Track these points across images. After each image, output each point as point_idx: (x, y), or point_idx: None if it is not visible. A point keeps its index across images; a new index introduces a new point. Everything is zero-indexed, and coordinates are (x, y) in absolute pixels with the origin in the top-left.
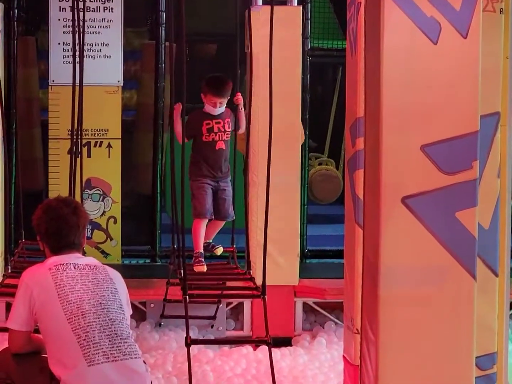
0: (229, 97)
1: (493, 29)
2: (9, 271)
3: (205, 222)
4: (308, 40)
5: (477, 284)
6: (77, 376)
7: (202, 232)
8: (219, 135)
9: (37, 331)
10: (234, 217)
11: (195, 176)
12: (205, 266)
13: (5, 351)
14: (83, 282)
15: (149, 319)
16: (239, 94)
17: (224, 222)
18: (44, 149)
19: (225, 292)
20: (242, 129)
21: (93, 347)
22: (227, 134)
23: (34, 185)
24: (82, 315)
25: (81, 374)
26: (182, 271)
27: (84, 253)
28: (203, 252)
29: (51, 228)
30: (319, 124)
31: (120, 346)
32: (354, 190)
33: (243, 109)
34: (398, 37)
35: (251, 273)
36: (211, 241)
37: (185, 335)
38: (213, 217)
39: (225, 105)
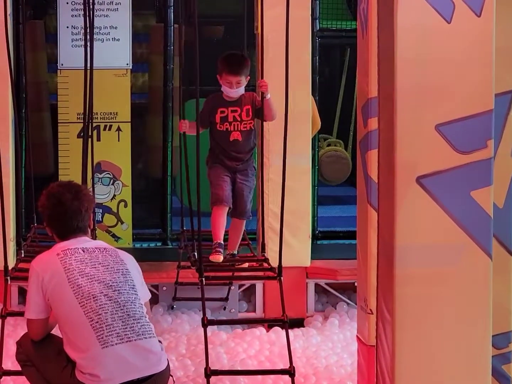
0: (248, 76)
1: (506, 8)
2: (22, 255)
3: (224, 210)
4: (317, 20)
5: None
6: (92, 359)
7: (222, 222)
8: (234, 125)
9: None
10: (251, 217)
11: (211, 162)
12: (222, 257)
13: (26, 335)
14: (93, 265)
15: (162, 302)
16: (264, 81)
17: (244, 223)
18: (53, 133)
19: (240, 273)
20: (270, 118)
21: (106, 329)
22: (244, 124)
23: (44, 169)
24: (93, 298)
25: (95, 356)
26: (196, 254)
27: (95, 237)
28: (222, 243)
29: (54, 215)
30: (327, 105)
31: (133, 326)
32: (366, 171)
33: (269, 96)
34: (411, 16)
35: (265, 255)
36: (236, 252)
37: (197, 318)
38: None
39: (243, 86)
